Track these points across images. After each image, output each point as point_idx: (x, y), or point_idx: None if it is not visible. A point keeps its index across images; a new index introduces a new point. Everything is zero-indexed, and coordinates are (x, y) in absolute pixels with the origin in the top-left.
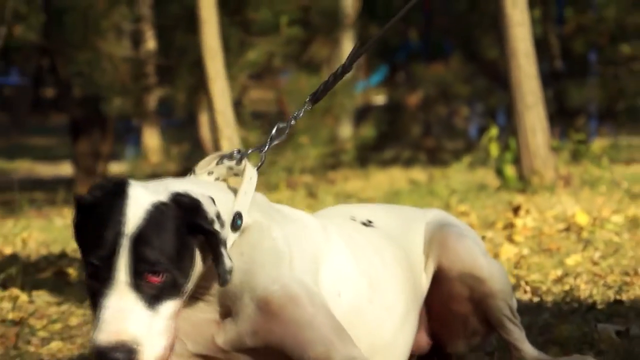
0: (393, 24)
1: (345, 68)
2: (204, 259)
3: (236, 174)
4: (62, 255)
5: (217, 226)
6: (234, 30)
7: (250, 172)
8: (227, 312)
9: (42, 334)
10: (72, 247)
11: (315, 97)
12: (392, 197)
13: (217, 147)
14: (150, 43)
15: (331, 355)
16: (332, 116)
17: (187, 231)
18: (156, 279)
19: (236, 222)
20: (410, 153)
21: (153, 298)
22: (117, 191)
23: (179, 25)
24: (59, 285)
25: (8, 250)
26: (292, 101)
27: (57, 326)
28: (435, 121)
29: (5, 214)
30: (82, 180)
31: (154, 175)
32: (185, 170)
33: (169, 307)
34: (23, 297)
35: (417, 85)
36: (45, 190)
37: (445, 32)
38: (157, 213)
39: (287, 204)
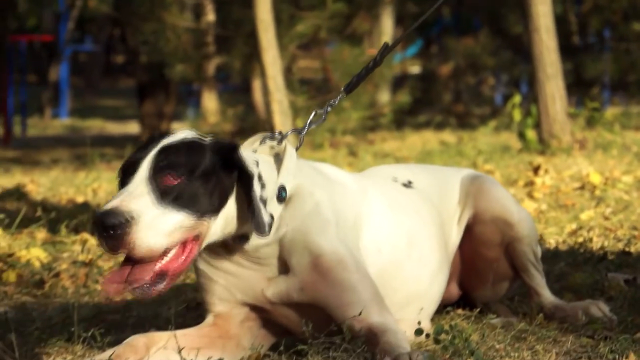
0: (423, 19)
1: (377, 62)
2: (240, 207)
3: (277, 153)
4: None
5: (256, 184)
6: (284, 5)
7: (290, 151)
8: (279, 270)
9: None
10: None
11: (350, 88)
12: (425, 157)
13: (268, 109)
14: (210, 15)
15: (367, 318)
16: (372, 83)
17: (221, 165)
18: (172, 181)
19: (281, 194)
20: (442, 117)
21: (166, 197)
22: (169, 132)
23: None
24: None
25: (80, 199)
26: (336, 69)
27: None
28: (464, 89)
29: (79, 167)
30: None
31: (212, 133)
32: (239, 129)
33: (180, 216)
34: (92, 241)
35: (448, 57)
36: (114, 147)
37: (475, 10)
38: (192, 142)
39: (330, 162)
